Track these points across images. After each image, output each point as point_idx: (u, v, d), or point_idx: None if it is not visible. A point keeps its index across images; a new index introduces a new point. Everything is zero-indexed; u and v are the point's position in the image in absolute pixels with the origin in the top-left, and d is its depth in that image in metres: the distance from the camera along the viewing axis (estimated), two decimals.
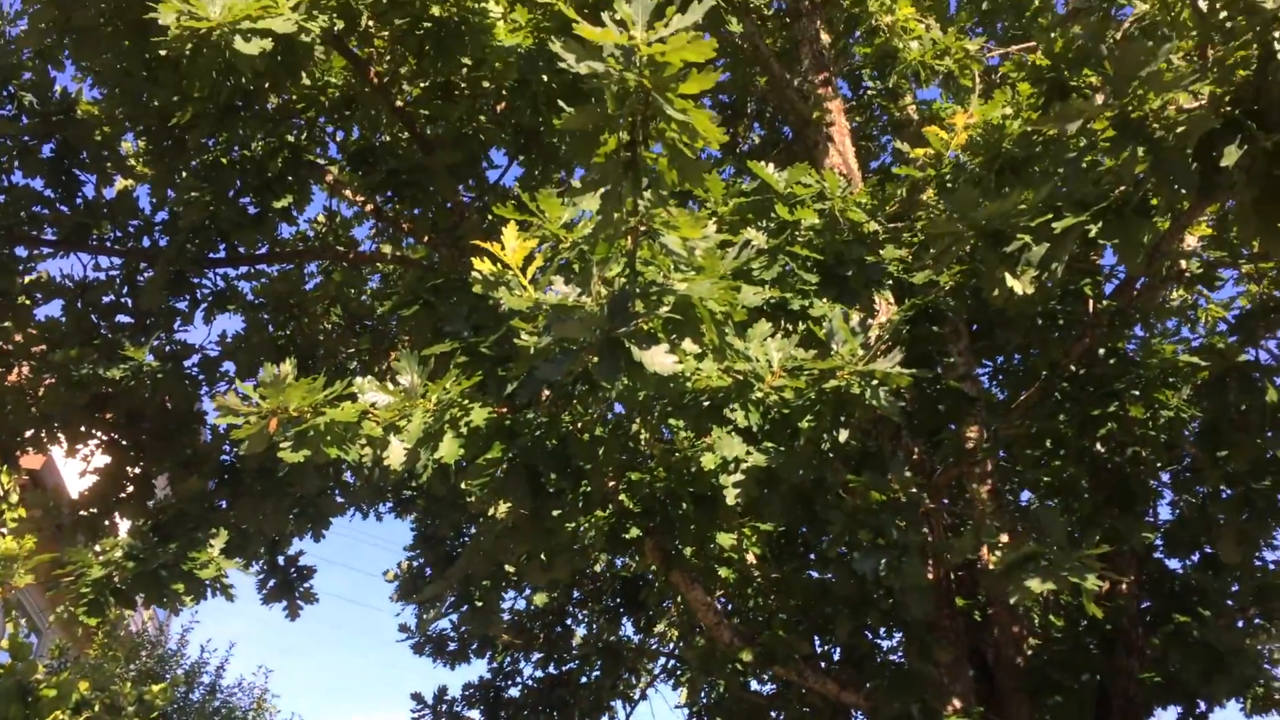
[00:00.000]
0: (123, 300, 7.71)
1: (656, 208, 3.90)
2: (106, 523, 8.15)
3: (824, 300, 5.76)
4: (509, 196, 8.46)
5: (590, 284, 4.37)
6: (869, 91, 11.63)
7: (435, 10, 5.93)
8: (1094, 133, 4.21)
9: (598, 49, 3.41)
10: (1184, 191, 4.00)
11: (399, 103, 6.90)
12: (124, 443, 7.92)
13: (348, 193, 7.81)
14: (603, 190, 3.80)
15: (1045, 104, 5.99)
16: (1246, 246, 6.26)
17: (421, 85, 6.77)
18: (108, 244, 7.60)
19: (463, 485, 5.53)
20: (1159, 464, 7.19)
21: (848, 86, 12.08)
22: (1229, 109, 3.97)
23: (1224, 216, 6.10)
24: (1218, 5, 3.83)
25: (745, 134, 14.28)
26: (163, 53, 5.32)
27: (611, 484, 6.15)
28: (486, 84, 6.66)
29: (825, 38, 10.53)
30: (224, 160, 6.93)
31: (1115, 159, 4.10)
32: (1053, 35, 5.88)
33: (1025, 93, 6.11)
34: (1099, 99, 4.79)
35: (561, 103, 5.51)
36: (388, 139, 7.81)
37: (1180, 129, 3.83)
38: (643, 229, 4.05)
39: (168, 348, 7.78)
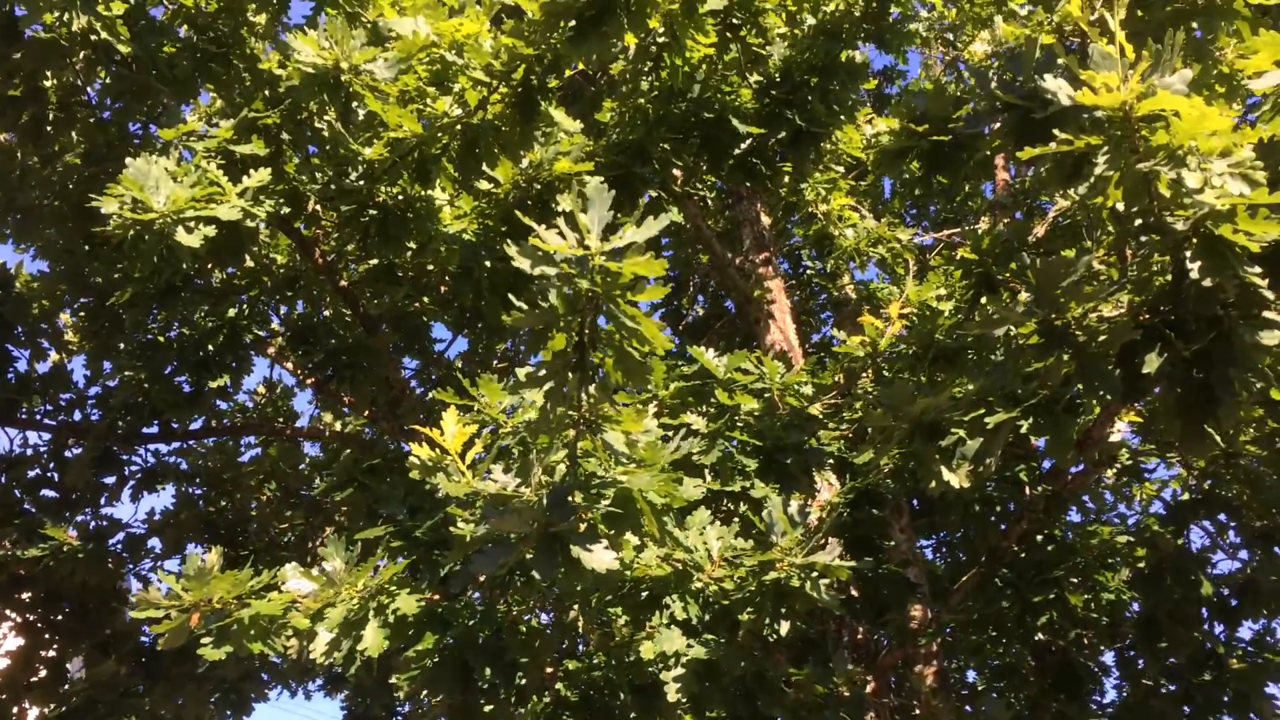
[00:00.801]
0: (49, 475, 7.50)
1: (601, 403, 3.91)
2: (15, 710, 7.71)
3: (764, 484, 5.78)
4: (452, 368, 8.50)
5: (530, 474, 4.33)
6: (808, 271, 12.00)
7: (382, 197, 6.05)
8: (1021, 335, 4.34)
9: (550, 255, 3.47)
10: (1109, 397, 4.11)
11: (343, 282, 6.96)
12: (39, 625, 7.57)
13: (289, 364, 7.79)
14: (548, 386, 3.82)
15: (974, 297, 6.20)
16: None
17: (366, 266, 6.85)
18: (38, 417, 7.45)
19: (392, 678, 5.33)
20: (1102, 646, 7.17)
21: (788, 264, 12.48)
22: (1148, 316, 4.13)
23: (1153, 408, 6.27)
24: (1134, 212, 4.01)
25: (689, 306, 14.57)
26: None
27: (549, 671, 5.97)
28: (431, 267, 6.76)
29: (765, 219, 10.91)
30: (161, 338, 6.89)
31: (1041, 362, 4.22)
32: (979, 231, 6.11)
33: (957, 277, 6.34)
34: (1024, 295, 4.98)
35: (508, 294, 5.59)
36: (330, 314, 7.85)
37: (1102, 337, 3.96)
38: (585, 423, 4.05)
39: (92, 524, 7.54)
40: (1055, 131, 3.95)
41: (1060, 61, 4.31)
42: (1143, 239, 4.02)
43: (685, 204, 8.58)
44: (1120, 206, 4.06)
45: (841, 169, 9.58)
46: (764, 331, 10.18)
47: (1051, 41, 6.05)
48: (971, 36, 9.63)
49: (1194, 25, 4.57)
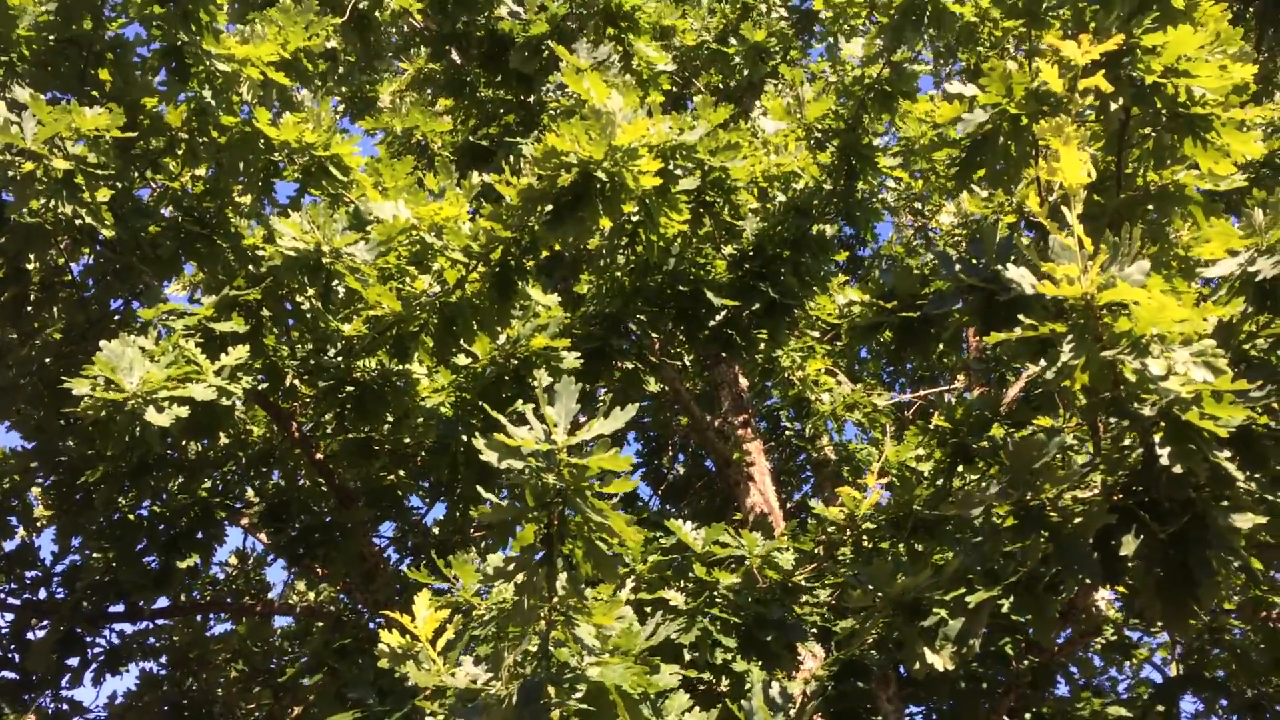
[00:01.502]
0: (9, 656, 7.25)
1: (571, 596, 3.85)
2: None
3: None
4: (429, 535, 8.37)
5: (501, 666, 4.21)
6: (787, 431, 12.03)
7: (359, 373, 6.08)
8: (997, 514, 4.33)
9: (518, 449, 3.48)
10: (1088, 580, 4.08)
11: (319, 455, 6.92)
12: None
13: (263, 535, 7.68)
14: (519, 578, 3.77)
15: (950, 466, 6.22)
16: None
17: (342, 439, 6.83)
18: (2, 596, 7.26)
19: None
20: None
21: (767, 424, 12.53)
22: (1121, 497, 4.14)
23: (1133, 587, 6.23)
24: (1101, 397, 4.05)
25: (669, 467, 14.53)
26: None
27: None
28: (408, 440, 6.75)
29: (743, 381, 11.00)
30: (131, 516, 6.79)
31: (1019, 543, 4.20)
32: (952, 401, 6.18)
33: (933, 445, 6.37)
34: (998, 471, 4.98)
35: (484, 469, 5.58)
36: (306, 484, 7.77)
37: (1078, 519, 3.95)
38: (557, 615, 3.97)
39: (52, 708, 7.25)
40: (1020, 317, 4.04)
41: (1023, 243, 4.44)
42: (1112, 420, 4.07)
43: (663, 367, 8.67)
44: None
45: (816, 334, 9.73)
46: (744, 494, 10.13)
47: (1013, 220, 6.29)
48: (938, 206, 9.96)
49: (1149, 209, 4.73)
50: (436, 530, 8.29)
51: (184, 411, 5.07)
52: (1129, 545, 3.87)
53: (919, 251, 11.81)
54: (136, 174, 6.04)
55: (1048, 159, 3.81)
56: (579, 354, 6.19)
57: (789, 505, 12.61)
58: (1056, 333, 3.82)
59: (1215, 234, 4.00)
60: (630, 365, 7.08)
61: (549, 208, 4.95)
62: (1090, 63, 3.73)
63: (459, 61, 8.87)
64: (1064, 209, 3.67)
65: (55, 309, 6.33)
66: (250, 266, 6.14)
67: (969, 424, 6.11)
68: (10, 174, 4.96)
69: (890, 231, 12.23)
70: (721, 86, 11.10)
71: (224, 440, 6.82)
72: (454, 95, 8.98)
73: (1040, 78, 3.91)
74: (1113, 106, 3.97)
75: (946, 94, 4.72)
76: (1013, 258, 4.44)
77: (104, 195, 5.20)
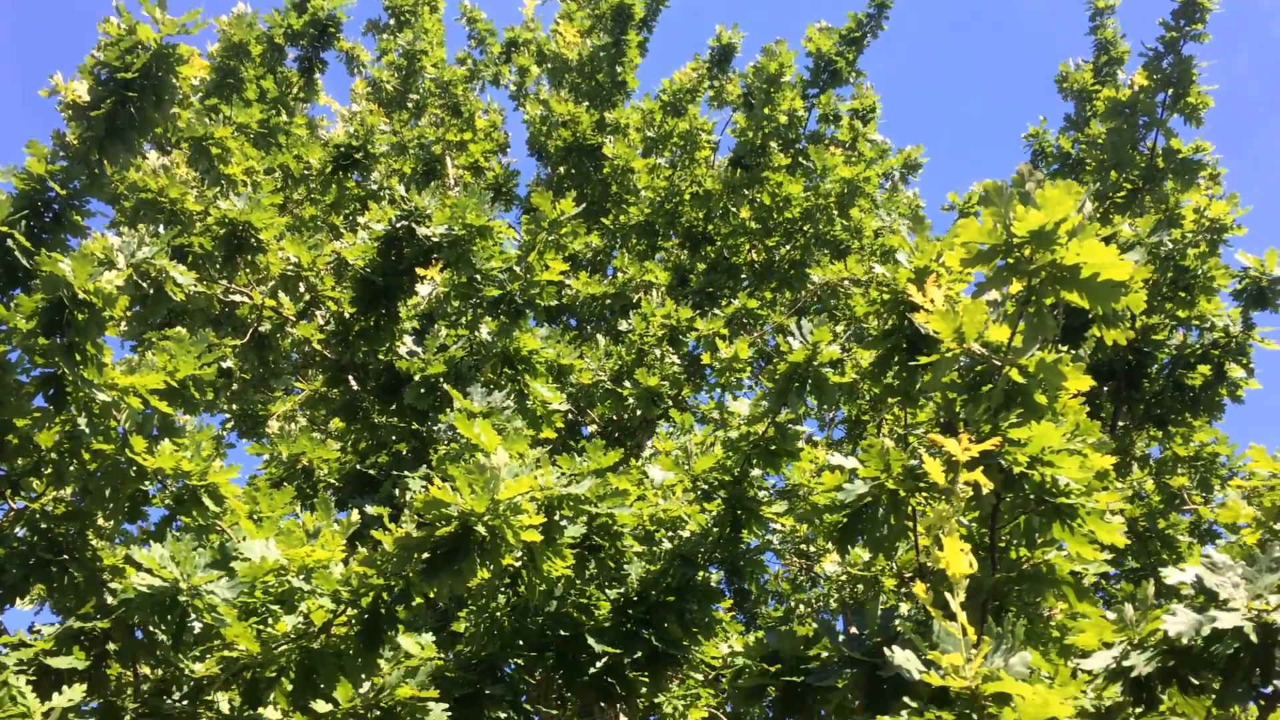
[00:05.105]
0: None
1: None
2: None
3: None
4: None
5: None
6: None
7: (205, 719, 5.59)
8: None
9: None
10: None
11: None
12: None
13: None
14: None
15: None
16: None
17: None
18: None
19: None
20: None
21: None
22: None
23: None
24: None
25: None
26: None
27: None
28: None
29: None
30: None
31: None
32: None
33: None
34: None
35: None
36: None
37: None
38: None
39: None
40: (906, 699, 3.96)
41: (904, 617, 4.43)
42: None
43: (539, 715, 8.21)
44: None
45: (700, 677, 9.43)
46: None
47: (893, 584, 6.34)
48: (823, 549, 10.07)
49: (1022, 588, 4.81)
50: None
51: None
52: None
53: (805, 588, 11.82)
54: None
55: (931, 542, 3.88)
56: (447, 706, 5.82)
57: None
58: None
59: (1089, 625, 4.06)
60: (504, 715, 6.68)
61: (425, 556, 4.80)
62: (970, 459, 3.90)
63: (355, 388, 8.93)
64: (948, 595, 3.69)
65: None
66: (103, 594, 5.76)
67: None
68: None
69: (777, 566, 12.26)
70: (616, 419, 11.39)
71: None
72: (348, 419, 8.96)
73: (923, 467, 4.06)
74: (985, 491, 4.12)
75: (829, 464, 4.86)
76: (896, 631, 4.43)
77: None
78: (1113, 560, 5.38)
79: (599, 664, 6.95)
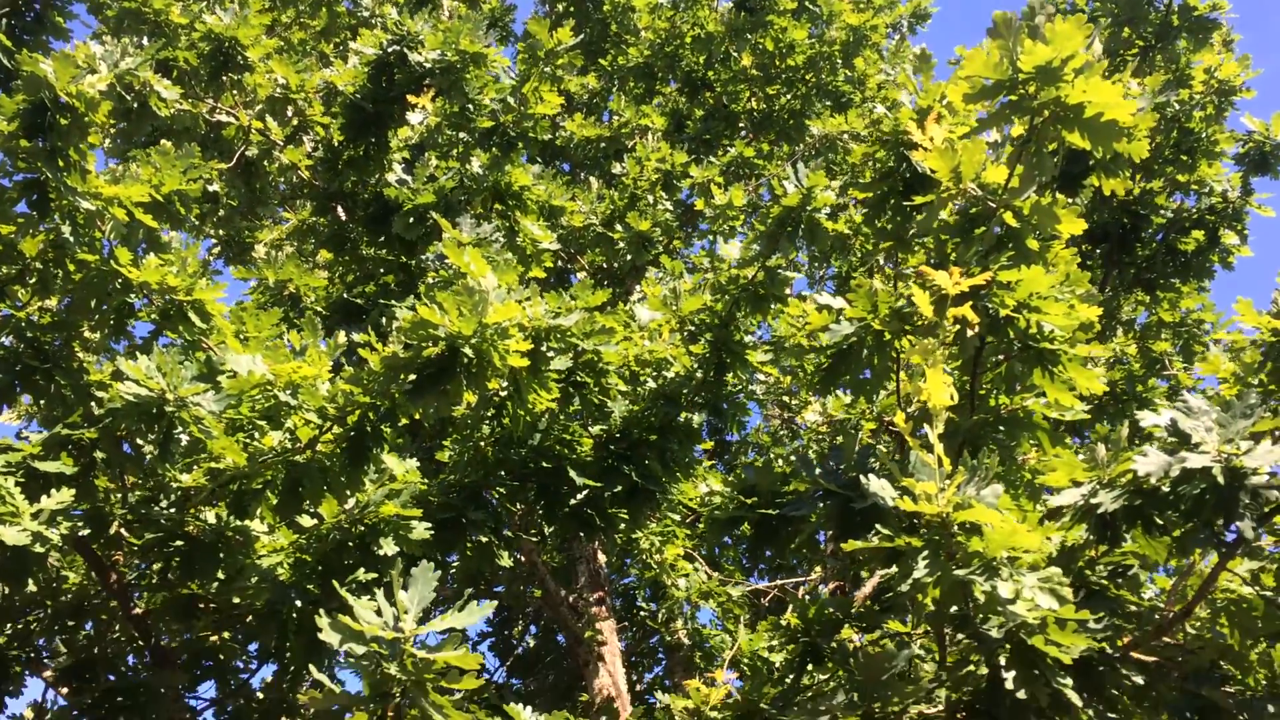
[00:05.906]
0: None
1: None
2: None
3: None
4: (254, 700, 7.77)
5: None
6: (642, 612, 11.82)
7: (191, 527, 5.71)
8: None
9: (362, 634, 3.25)
10: None
11: (137, 609, 6.41)
12: None
13: (65, 690, 6.99)
14: None
15: (799, 664, 6.13)
16: None
17: (165, 595, 6.35)
18: None
19: None
20: None
21: (622, 602, 12.30)
22: (965, 716, 4.10)
23: None
24: (951, 613, 4.06)
25: (519, 638, 14.07)
26: None
27: None
28: (237, 600, 6.30)
29: (601, 557, 10.81)
30: None
31: None
32: (805, 599, 6.13)
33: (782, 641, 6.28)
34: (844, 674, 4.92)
35: (316, 637, 5.22)
36: (121, 638, 7.18)
37: None
38: None
39: None
40: (877, 526, 4.07)
41: (882, 453, 4.50)
42: (959, 636, 4.07)
43: (520, 540, 8.44)
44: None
45: (677, 517, 9.68)
46: (593, 675, 9.82)
47: (873, 427, 6.45)
48: (805, 401, 10.20)
49: (1000, 431, 4.90)
50: (261, 695, 7.70)
51: None
52: None
53: (784, 442, 12.03)
54: None
55: (913, 377, 3.92)
56: (430, 525, 5.96)
57: (639, 687, 12.29)
58: (912, 546, 3.84)
59: (1061, 464, 4.14)
60: (485, 539, 6.85)
61: (411, 377, 4.83)
62: (959, 293, 3.90)
63: (343, 218, 8.83)
64: (926, 427, 3.75)
65: None
66: (90, 404, 5.81)
67: (820, 624, 6.06)
68: None
69: (758, 420, 12.46)
70: (605, 266, 11.35)
71: (33, 587, 6.26)
72: (335, 249, 8.90)
73: (913, 301, 4.07)
74: (969, 333, 4.14)
75: (817, 304, 4.86)
76: (872, 466, 4.51)
77: None
78: (1089, 416, 5.46)
79: (579, 496, 7.09)
